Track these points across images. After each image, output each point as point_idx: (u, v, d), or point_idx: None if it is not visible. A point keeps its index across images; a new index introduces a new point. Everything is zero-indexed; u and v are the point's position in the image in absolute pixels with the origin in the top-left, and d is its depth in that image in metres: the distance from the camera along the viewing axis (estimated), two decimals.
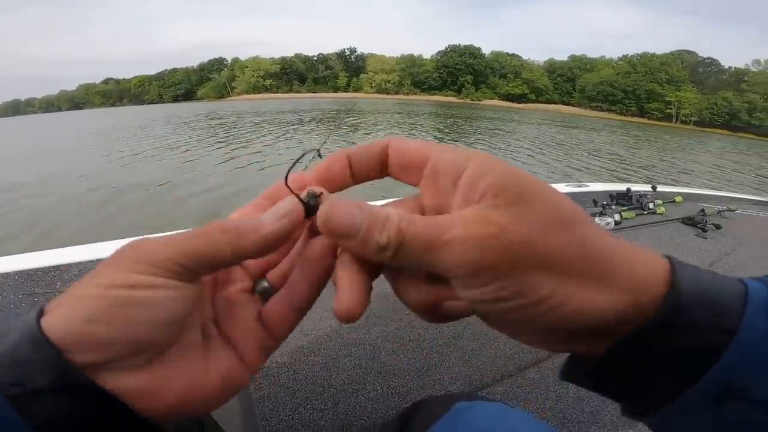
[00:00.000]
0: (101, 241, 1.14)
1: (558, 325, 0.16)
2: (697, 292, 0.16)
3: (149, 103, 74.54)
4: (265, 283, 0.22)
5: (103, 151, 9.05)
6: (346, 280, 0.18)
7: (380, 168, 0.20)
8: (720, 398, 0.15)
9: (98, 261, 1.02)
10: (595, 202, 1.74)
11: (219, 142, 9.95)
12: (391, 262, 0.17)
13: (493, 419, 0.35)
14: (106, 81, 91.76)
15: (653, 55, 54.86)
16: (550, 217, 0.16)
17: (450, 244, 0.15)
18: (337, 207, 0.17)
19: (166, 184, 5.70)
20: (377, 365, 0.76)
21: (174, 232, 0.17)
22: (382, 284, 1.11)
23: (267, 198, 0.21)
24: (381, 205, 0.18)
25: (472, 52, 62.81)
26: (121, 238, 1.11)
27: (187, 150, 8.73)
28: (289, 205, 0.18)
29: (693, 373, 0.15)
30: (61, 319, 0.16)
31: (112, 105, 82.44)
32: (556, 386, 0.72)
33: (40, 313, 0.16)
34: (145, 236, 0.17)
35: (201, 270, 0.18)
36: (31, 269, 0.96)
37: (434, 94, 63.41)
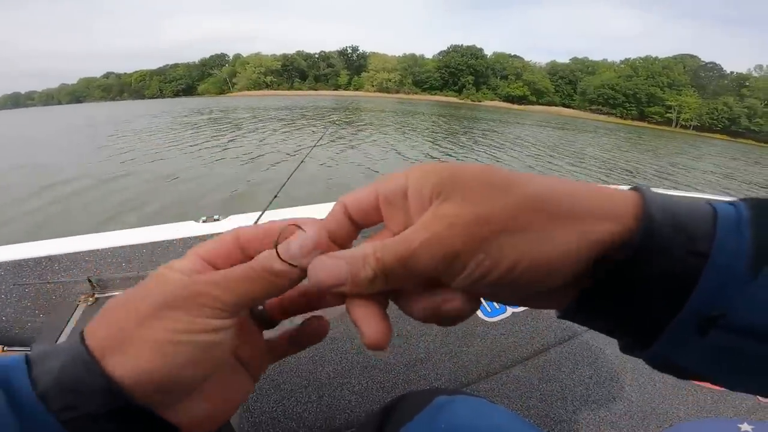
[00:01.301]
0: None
1: (546, 275, 0.17)
2: (667, 216, 0.16)
3: (150, 98, 74.45)
4: (261, 308, 0.24)
5: (84, 146, 9.12)
6: (361, 319, 0.19)
7: (355, 230, 0.21)
8: (703, 328, 0.15)
9: (90, 252, 0.97)
10: None
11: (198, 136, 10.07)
12: (386, 287, 0.18)
13: (472, 414, 0.35)
14: (107, 75, 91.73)
15: (656, 58, 54.88)
16: (488, 190, 0.17)
17: (419, 250, 0.17)
18: (320, 267, 0.19)
19: (131, 175, 5.91)
20: (363, 360, 0.76)
21: (227, 271, 0.19)
22: None
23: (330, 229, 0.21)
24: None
25: (473, 53, 62.74)
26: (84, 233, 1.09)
27: (165, 144, 8.88)
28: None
29: (674, 304, 0.16)
30: (131, 362, 0.17)
31: (113, 99, 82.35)
32: (541, 384, 0.72)
33: (83, 338, 0.17)
34: (205, 273, 0.19)
35: (250, 306, 0.20)
36: (22, 259, 0.95)
37: (435, 93, 63.36)
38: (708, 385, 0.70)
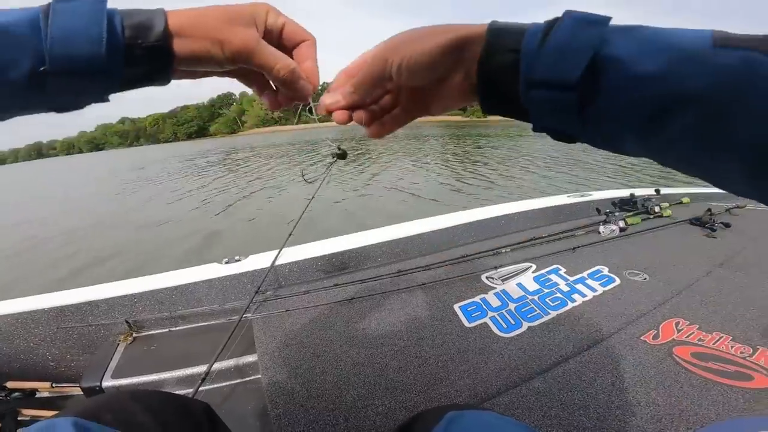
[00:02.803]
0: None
1: (429, 62, 0.27)
2: (502, 31, 0.26)
3: (164, 142, 77.28)
4: None
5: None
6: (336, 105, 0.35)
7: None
8: (528, 87, 0.25)
9: (125, 296, 1.07)
10: (598, 211, 1.71)
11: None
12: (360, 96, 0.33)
13: (482, 428, 0.36)
14: (122, 120, 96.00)
15: None
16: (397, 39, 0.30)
17: (370, 62, 0.30)
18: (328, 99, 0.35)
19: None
20: (385, 382, 0.79)
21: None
22: (392, 311, 1.04)
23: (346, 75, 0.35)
24: None
25: None
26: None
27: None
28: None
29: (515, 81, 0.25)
30: (190, 44, 0.28)
31: (130, 145, 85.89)
32: (561, 394, 0.72)
33: (165, 16, 0.27)
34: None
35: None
36: (64, 305, 1.03)
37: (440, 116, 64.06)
38: (728, 381, 0.70)
